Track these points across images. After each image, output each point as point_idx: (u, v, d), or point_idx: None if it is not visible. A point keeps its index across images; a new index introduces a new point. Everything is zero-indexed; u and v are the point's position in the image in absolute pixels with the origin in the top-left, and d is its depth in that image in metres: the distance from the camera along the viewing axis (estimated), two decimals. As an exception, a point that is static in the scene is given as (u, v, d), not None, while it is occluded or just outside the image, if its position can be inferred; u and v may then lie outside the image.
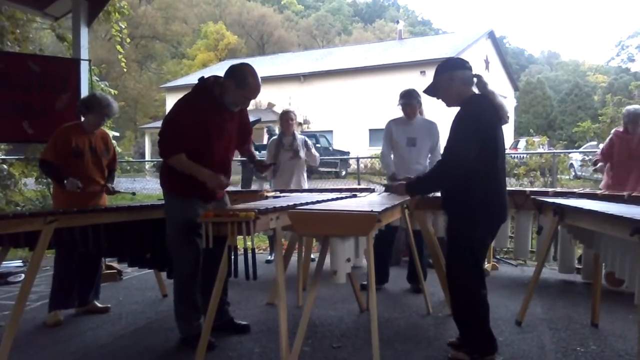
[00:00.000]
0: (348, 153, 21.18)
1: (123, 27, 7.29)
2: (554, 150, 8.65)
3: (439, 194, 3.33)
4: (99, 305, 4.04)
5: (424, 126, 4.62)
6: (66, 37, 7.09)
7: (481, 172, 2.84)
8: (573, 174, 12.14)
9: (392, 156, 4.69)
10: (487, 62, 27.93)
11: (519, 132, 31.12)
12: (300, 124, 23.74)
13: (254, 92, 3.15)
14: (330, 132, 25.32)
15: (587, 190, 4.85)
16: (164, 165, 3.27)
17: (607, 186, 4.98)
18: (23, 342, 3.32)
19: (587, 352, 3.13)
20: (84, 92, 5.36)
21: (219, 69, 3.39)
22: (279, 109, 23.98)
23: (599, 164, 5.05)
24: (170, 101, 27.18)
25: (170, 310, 3.32)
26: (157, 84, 37.75)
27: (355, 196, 3.97)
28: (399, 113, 4.68)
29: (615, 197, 4.14)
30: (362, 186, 6.82)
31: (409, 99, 4.55)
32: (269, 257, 5.99)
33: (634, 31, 52.97)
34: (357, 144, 23.63)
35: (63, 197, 3.81)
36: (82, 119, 3.95)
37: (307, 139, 5.79)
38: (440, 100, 3.07)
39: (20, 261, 5.60)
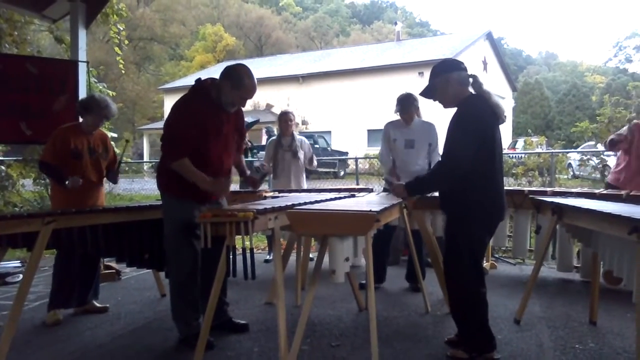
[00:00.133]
0: (346, 153, 21.22)
1: (121, 29, 7.29)
2: (552, 150, 8.67)
3: (437, 194, 3.34)
4: (98, 305, 4.03)
5: (422, 128, 4.62)
6: (64, 39, 7.10)
7: (479, 171, 2.85)
8: (571, 173, 12.14)
9: (390, 158, 4.70)
10: (485, 63, 27.97)
11: (517, 133, 31.19)
12: (297, 124, 23.72)
13: (250, 92, 3.15)
14: (329, 132, 25.35)
15: (585, 190, 4.85)
16: (162, 166, 3.27)
17: (618, 179, 4.89)
18: (21, 342, 3.31)
19: (585, 350, 3.14)
20: (82, 93, 5.37)
21: (217, 71, 3.38)
22: (277, 110, 24.02)
23: (618, 143, 4.83)
24: (169, 103, 27.23)
25: (168, 310, 3.32)
26: (155, 85, 37.77)
27: (353, 196, 3.98)
28: (396, 115, 4.68)
29: (613, 196, 4.15)
30: (360, 186, 6.83)
31: (405, 106, 4.53)
32: (268, 257, 6.00)
33: (631, 32, 53.29)
34: (355, 144, 23.65)
35: (61, 197, 3.81)
36: (81, 120, 3.95)
37: (310, 147, 5.76)
38: (436, 102, 3.08)
39: (19, 261, 5.60)
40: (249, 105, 3.35)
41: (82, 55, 5.63)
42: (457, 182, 2.87)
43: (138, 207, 3.76)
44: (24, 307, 3.30)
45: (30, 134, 5.27)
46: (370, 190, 5.03)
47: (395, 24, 37.06)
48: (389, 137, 4.65)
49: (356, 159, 11.05)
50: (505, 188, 3.14)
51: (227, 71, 3.16)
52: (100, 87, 7.08)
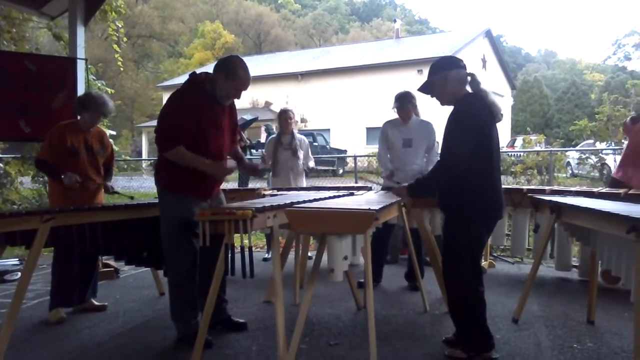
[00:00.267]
0: (345, 151, 21.18)
1: (120, 26, 7.27)
2: (551, 149, 8.65)
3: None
4: (96, 303, 4.03)
5: (419, 127, 4.62)
6: (63, 36, 7.07)
7: (476, 170, 2.85)
8: (570, 172, 12.15)
9: (388, 156, 4.70)
10: (484, 60, 27.97)
11: (516, 131, 31.18)
12: (296, 122, 23.73)
13: (244, 83, 3.15)
14: (328, 130, 25.35)
15: (584, 188, 4.86)
16: (160, 163, 3.26)
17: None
18: (20, 340, 3.31)
19: (583, 349, 3.14)
20: (81, 91, 5.35)
21: (217, 69, 3.36)
22: (276, 108, 23.98)
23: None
24: (168, 100, 27.10)
25: (167, 308, 3.32)
26: (154, 82, 37.68)
27: (352, 194, 3.97)
28: (394, 112, 4.68)
29: (611, 195, 4.15)
30: (359, 184, 6.83)
31: (403, 103, 4.54)
32: (266, 255, 6.00)
33: (630, 30, 53.30)
34: (354, 142, 23.64)
35: (59, 195, 3.80)
36: (79, 117, 3.94)
37: (308, 147, 5.76)
38: (434, 98, 3.08)
39: (17, 259, 5.59)
40: (247, 102, 3.34)
41: (81, 53, 5.62)
42: (456, 180, 2.87)
43: (137, 205, 3.76)
44: (22, 305, 3.29)
45: (29, 132, 5.26)
46: (369, 189, 5.03)
47: (395, 21, 37.05)
48: (387, 137, 4.66)
49: (355, 157, 11.04)
50: (504, 186, 3.14)
51: (220, 63, 3.17)
52: (99, 85, 7.06)
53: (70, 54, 5.73)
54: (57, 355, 3.12)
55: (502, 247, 6.02)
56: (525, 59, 69.36)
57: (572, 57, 76.68)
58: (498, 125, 3.00)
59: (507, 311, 3.84)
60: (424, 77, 3.14)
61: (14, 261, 5.51)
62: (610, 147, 8.91)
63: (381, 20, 58.59)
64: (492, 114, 2.91)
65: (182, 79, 31.39)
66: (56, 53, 8.43)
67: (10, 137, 5.76)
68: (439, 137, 3.32)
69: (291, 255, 4.62)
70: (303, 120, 25.75)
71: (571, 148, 12.68)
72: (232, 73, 3.10)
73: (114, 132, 7.41)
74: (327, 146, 20.96)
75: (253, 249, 2.85)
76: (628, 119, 5.23)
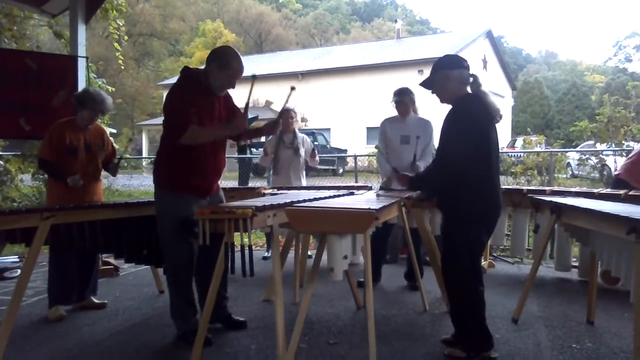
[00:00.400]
0: (345, 151, 21.20)
1: (121, 24, 7.27)
2: (552, 149, 8.65)
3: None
4: (96, 301, 4.03)
5: (418, 124, 4.62)
6: (63, 34, 7.07)
7: (475, 171, 2.85)
8: (570, 172, 12.14)
9: (387, 155, 4.70)
10: (484, 61, 27.95)
11: (517, 131, 31.17)
12: (297, 121, 23.74)
13: (238, 71, 3.17)
14: (328, 130, 25.35)
15: (584, 189, 4.85)
16: (159, 161, 3.27)
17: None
18: (19, 337, 3.31)
19: (582, 349, 3.14)
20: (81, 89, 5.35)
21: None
22: (276, 107, 23.99)
23: None
24: (168, 99, 27.08)
25: (167, 306, 3.32)
26: (155, 81, 37.66)
27: (352, 194, 3.97)
28: (394, 112, 4.69)
29: (611, 196, 4.15)
30: (359, 184, 6.83)
31: (401, 97, 4.56)
32: (266, 254, 5.99)
33: (631, 31, 53.34)
34: (354, 142, 23.63)
35: (58, 193, 3.79)
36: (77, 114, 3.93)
37: (311, 143, 5.77)
38: (434, 94, 3.08)
39: (17, 257, 5.59)
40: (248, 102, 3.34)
41: (82, 51, 5.62)
42: (453, 179, 2.87)
43: (137, 203, 3.76)
44: (22, 302, 3.29)
45: (29, 130, 5.27)
46: (369, 188, 5.03)
47: (395, 21, 37.04)
48: (385, 133, 4.67)
49: (355, 157, 11.04)
50: (504, 187, 3.14)
51: (213, 53, 3.21)
52: (100, 83, 7.05)
53: (71, 52, 5.72)
54: (56, 353, 3.12)
55: (502, 247, 6.02)
56: (526, 60, 69.37)
57: (573, 58, 76.79)
58: (498, 126, 3.01)
59: (507, 311, 3.84)
60: (424, 77, 3.14)
61: (14, 258, 5.51)
62: (611, 149, 8.92)
63: (382, 21, 58.56)
64: (490, 116, 2.92)
65: (182, 77, 31.60)
66: (57, 51, 8.41)
67: (11, 134, 5.76)
68: (436, 136, 3.32)
69: (291, 254, 4.62)
70: (303, 120, 25.75)
71: (571, 149, 12.66)
72: (225, 63, 3.12)
73: (114, 130, 7.42)
74: (328, 146, 20.96)
75: (253, 247, 2.85)
76: None
